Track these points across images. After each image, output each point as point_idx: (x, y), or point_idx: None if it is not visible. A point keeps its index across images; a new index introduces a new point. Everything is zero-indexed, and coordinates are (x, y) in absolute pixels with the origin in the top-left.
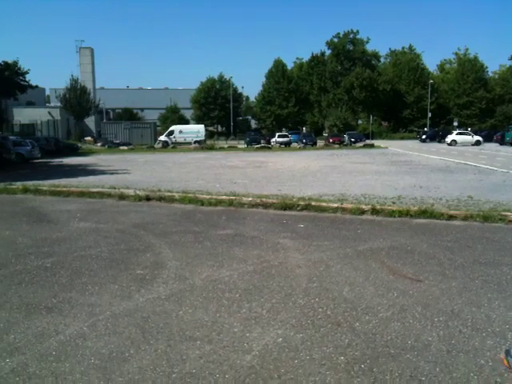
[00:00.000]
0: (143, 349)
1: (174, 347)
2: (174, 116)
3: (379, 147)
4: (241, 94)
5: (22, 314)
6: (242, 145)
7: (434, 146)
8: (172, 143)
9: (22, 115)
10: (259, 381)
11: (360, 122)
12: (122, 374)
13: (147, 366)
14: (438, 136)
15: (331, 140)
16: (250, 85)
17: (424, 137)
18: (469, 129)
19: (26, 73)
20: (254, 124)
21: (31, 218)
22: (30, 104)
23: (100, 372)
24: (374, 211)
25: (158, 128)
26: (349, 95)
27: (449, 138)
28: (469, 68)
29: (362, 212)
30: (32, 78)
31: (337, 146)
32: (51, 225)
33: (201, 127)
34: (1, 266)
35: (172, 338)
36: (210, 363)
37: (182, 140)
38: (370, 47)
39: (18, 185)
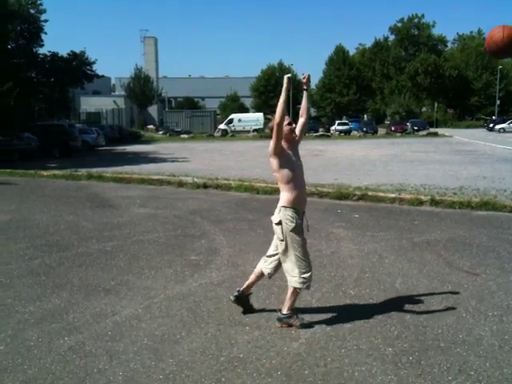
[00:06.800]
0: (194, 332)
1: (224, 331)
2: (233, 104)
3: (443, 136)
4: (300, 82)
5: (81, 295)
6: None
7: (502, 134)
8: (231, 131)
9: (89, 104)
10: (305, 368)
11: (424, 109)
12: (172, 355)
13: (197, 348)
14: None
15: (393, 128)
16: (311, 72)
17: (492, 125)
18: None
19: (93, 63)
20: (313, 112)
21: (94, 203)
22: (96, 93)
23: (152, 353)
24: (433, 202)
25: (218, 116)
26: (413, 82)
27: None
28: None
29: (421, 203)
30: (98, 68)
31: (399, 134)
32: (113, 210)
33: (260, 115)
34: (64, 248)
35: (222, 322)
36: (258, 348)
37: (240, 128)
38: (436, 31)
39: (83, 171)
